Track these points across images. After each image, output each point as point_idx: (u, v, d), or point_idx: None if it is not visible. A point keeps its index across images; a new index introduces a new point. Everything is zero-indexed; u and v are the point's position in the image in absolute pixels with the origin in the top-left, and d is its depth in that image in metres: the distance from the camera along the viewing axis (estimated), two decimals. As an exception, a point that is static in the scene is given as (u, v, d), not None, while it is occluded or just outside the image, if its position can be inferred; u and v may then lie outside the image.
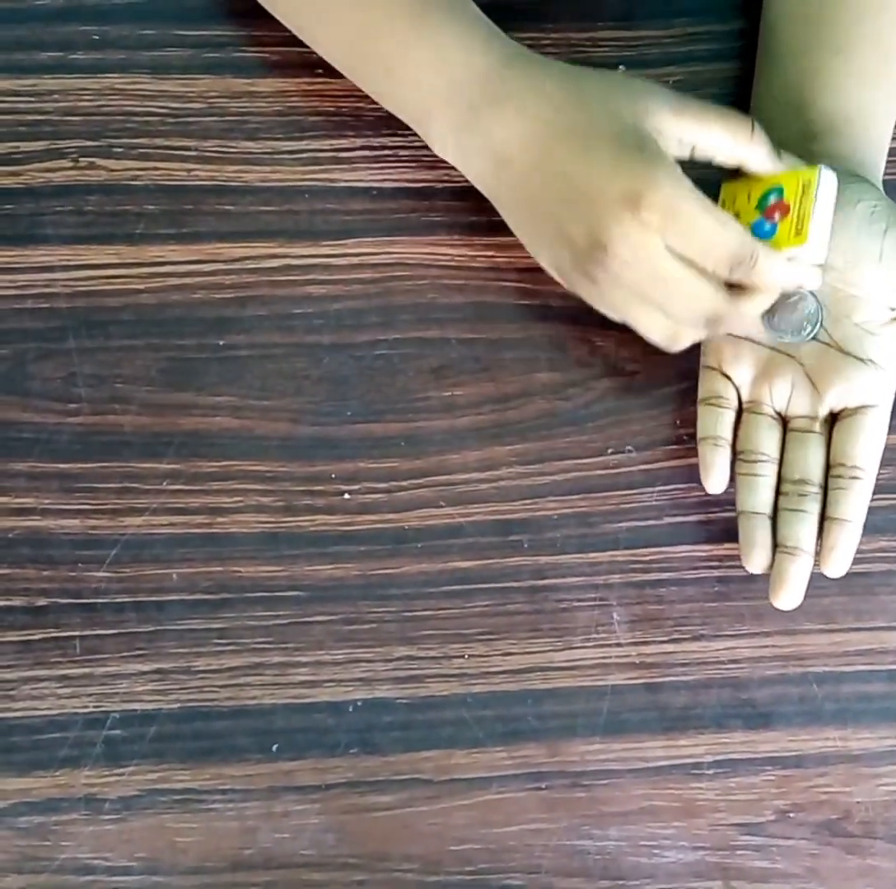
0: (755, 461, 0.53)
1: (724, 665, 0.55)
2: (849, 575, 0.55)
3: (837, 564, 0.52)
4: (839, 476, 0.52)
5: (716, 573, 0.55)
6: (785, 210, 0.49)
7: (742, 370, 0.53)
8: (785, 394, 0.53)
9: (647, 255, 0.47)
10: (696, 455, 0.55)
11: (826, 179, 0.49)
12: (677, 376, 0.56)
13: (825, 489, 0.53)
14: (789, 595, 0.52)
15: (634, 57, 0.57)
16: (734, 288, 0.49)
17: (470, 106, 0.50)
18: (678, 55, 0.57)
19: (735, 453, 0.54)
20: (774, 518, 0.53)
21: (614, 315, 0.51)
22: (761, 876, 0.54)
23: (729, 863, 0.54)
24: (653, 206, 0.46)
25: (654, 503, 0.56)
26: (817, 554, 0.52)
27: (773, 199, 0.50)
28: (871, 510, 0.54)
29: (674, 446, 0.56)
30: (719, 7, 0.58)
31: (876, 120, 0.54)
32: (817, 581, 0.55)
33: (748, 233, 0.48)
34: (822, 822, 0.55)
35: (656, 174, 0.46)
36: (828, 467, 0.53)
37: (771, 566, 0.53)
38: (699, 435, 0.54)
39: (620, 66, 0.57)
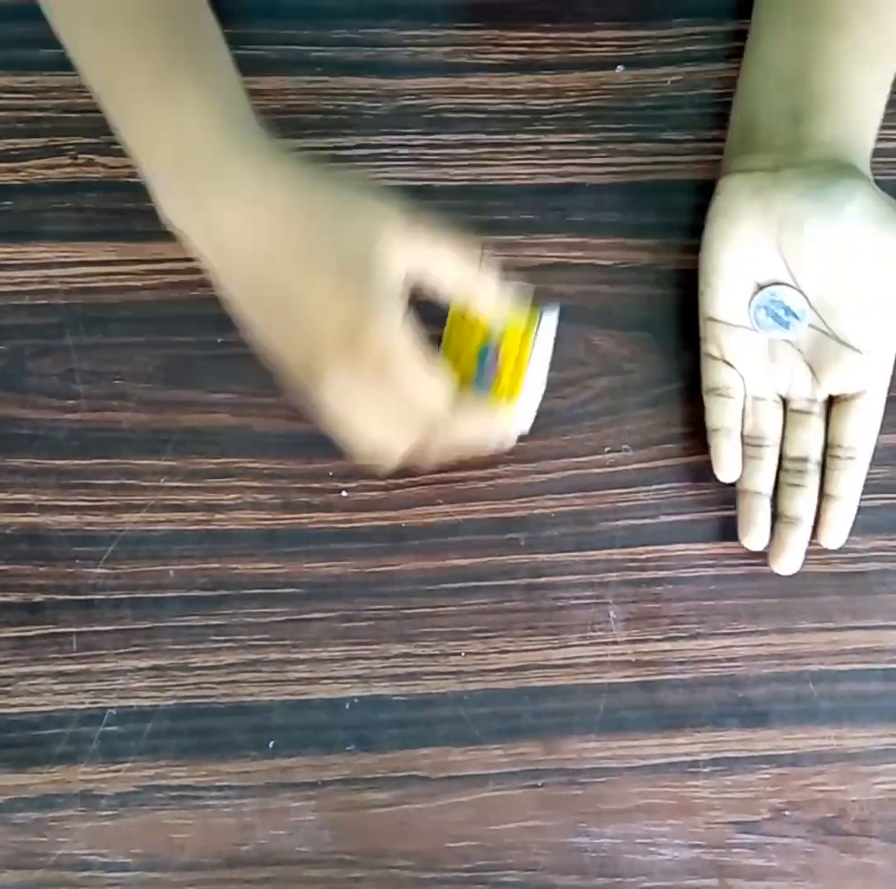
0: (759, 446, 0.55)
1: (720, 663, 0.55)
2: (845, 574, 0.55)
3: (834, 537, 0.54)
4: (836, 457, 0.54)
5: (712, 571, 0.55)
6: (500, 370, 0.50)
7: (744, 357, 0.54)
8: (786, 379, 0.54)
9: (354, 392, 0.47)
10: (692, 454, 0.56)
11: (542, 335, 0.50)
12: (674, 376, 0.56)
13: (823, 466, 0.54)
14: (789, 561, 0.54)
15: (632, 57, 0.57)
16: None
17: (195, 182, 0.47)
18: (676, 55, 0.58)
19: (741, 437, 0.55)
20: (773, 497, 0.55)
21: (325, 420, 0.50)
22: (757, 874, 0.55)
23: (725, 861, 0.55)
24: (364, 353, 0.45)
25: (650, 502, 0.56)
26: (815, 528, 0.54)
27: (491, 355, 0.50)
28: (867, 510, 0.54)
29: (670, 445, 0.56)
30: (716, 9, 0.58)
31: (867, 95, 0.54)
32: (814, 580, 0.55)
33: (447, 396, 0.47)
34: (817, 821, 0.55)
35: (371, 318, 0.45)
36: (826, 445, 0.54)
37: (767, 542, 0.54)
38: (709, 426, 0.55)
39: (619, 67, 0.57)
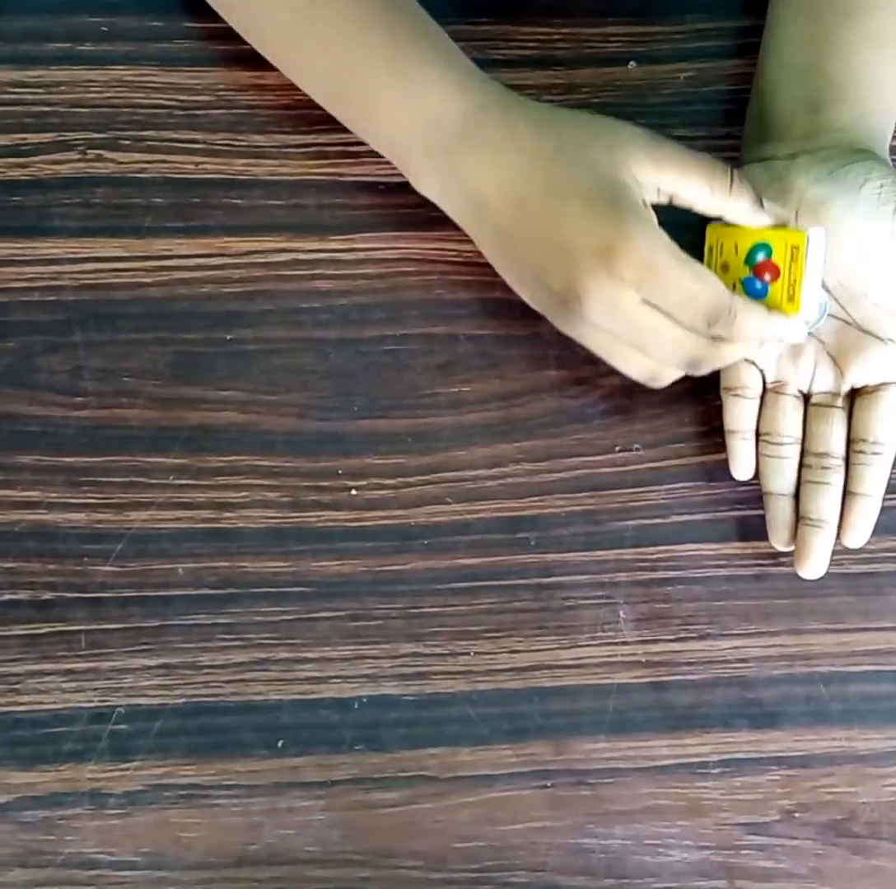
0: (780, 444, 0.54)
1: (730, 664, 0.55)
2: (856, 575, 0.55)
3: (858, 537, 0.53)
4: (861, 452, 0.53)
5: (723, 572, 0.55)
6: (775, 272, 0.49)
7: (764, 353, 0.54)
8: (808, 372, 0.54)
9: (622, 308, 0.48)
10: (703, 453, 0.55)
11: (815, 244, 0.49)
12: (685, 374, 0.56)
13: (846, 462, 0.53)
14: (815, 565, 0.53)
15: (644, 53, 0.57)
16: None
17: (447, 148, 0.50)
18: (688, 51, 0.57)
19: (758, 434, 0.54)
20: (796, 494, 0.54)
21: (595, 352, 0.51)
22: (766, 876, 0.54)
23: (734, 862, 0.54)
24: (626, 261, 0.46)
25: (661, 501, 0.55)
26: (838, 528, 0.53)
27: (761, 257, 0.50)
28: (880, 510, 0.54)
29: (681, 444, 0.56)
30: (729, 4, 0.57)
31: (883, 84, 0.53)
32: (825, 581, 0.55)
33: (726, 288, 0.47)
34: (827, 823, 0.55)
35: (629, 229, 0.46)
36: (848, 441, 0.53)
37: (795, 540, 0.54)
38: (727, 427, 0.54)
39: (631, 62, 0.57)
